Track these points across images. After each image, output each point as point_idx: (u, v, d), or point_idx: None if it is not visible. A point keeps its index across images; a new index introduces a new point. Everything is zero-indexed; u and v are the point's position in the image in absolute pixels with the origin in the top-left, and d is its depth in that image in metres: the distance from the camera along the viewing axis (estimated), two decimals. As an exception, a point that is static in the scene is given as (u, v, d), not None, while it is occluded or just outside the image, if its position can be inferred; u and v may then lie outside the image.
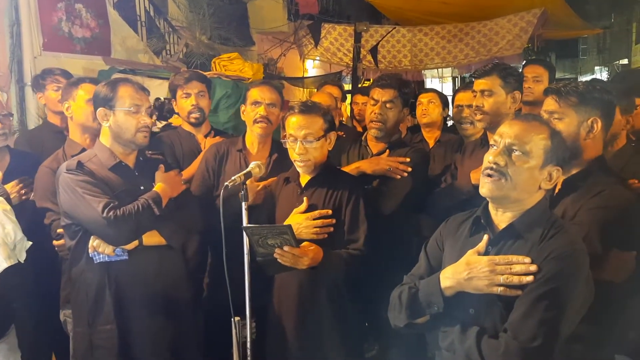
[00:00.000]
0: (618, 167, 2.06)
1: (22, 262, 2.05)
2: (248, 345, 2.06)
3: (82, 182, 2.13)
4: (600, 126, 1.81)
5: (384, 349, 2.98)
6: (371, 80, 8.22)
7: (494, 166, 1.54)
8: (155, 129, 3.13)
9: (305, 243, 2.10)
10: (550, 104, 1.86)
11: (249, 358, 2.06)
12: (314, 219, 2.19)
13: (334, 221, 2.21)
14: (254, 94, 2.67)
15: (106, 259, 2.17)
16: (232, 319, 2.02)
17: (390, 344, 2.79)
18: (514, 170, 1.52)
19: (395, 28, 8.40)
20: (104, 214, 2.06)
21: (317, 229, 2.18)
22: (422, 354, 2.85)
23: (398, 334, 2.33)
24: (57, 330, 2.62)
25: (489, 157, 1.56)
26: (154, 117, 2.35)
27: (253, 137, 2.69)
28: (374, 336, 3.19)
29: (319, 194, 2.26)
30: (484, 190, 1.56)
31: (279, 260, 2.05)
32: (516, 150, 1.53)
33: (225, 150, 2.70)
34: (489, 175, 1.54)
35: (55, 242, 2.45)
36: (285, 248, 2.00)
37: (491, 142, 1.60)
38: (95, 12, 5.85)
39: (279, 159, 2.61)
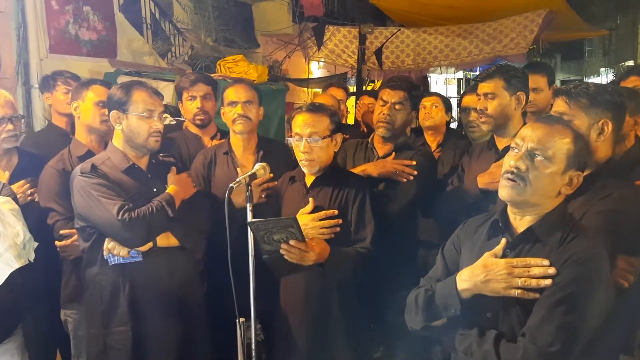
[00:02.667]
0: (626, 169, 2.05)
1: (32, 261, 2.07)
2: (253, 346, 2.06)
3: (97, 184, 2.15)
4: (611, 128, 1.80)
5: (389, 351, 2.98)
6: (376, 82, 8.24)
7: (515, 171, 1.51)
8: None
9: (312, 238, 2.10)
10: (560, 105, 1.84)
11: (253, 359, 2.07)
12: (321, 220, 2.19)
13: (340, 221, 2.21)
14: (229, 94, 2.68)
15: (121, 260, 2.19)
16: (237, 320, 2.02)
17: (395, 345, 2.79)
18: (535, 176, 1.50)
19: (399, 30, 8.40)
20: (119, 217, 2.09)
21: (324, 229, 2.18)
22: (428, 355, 2.85)
23: (403, 335, 2.33)
24: (61, 329, 2.64)
25: (509, 162, 1.54)
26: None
27: (236, 137, 2.70)
28: (379, 338, 3.19)
29: (324, 194, 2.26)
30: (502, 194, 1.55)
31: (285, 256, 2.04)
32: (539, 155, 1.51)
33: (212, 155, 2.71)
34: (509, 180, 1.52)
35: (57, 243, 2.46)
36: (291, 242, 2.00)
37: (512, 145, 1.58)
38: (103, 15, 5.89)
39: (265, 156, 2.61)
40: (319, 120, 2.23)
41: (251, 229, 1.96)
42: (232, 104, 2.65)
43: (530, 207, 1.55)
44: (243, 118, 2.62)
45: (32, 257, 2.07)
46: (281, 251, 2.03)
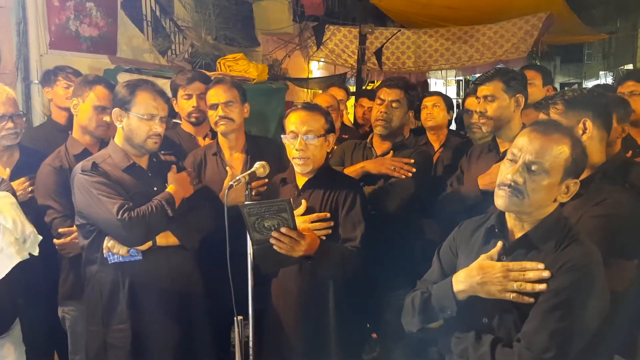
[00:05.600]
0: (613, 173, 2.07)
1: (36, 255, 2.06)
2: (250, 344, 2.06)
3: (97, 183, 2.15)
4: (592, 126, 1.81)
5: (385, 351, 2.99)
6: (375, 82, 8.26)
7: (512, 184, 1.51)
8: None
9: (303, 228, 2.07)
10: (542, 118, 1.87)
11: (250, 357, 2.07)
12: (312, 222, 2.18)
13: (332, 223, 2.20)
14: (210, 96, 2.67)
15: (120, 259, 2.19)
16: (235, 318, 2.02)
17: (392, 345, 2.80)
18: (533, 189, 1.50)
19: (400, 30, 8.41)
20: (119, 216, 2.08)
21: (316, 231, 2.15)
22: (424, 356, 2.86)
23: (400, 336, 2.33)
24: (58, 325, 2.65)
25: (506, 174, 1.53)
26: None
27: (222, 137, 2.69)
28: (376, 338, 3.20)
29: (316, 196, 2.24)
30: (499, 203, 1.55)
31: (274, 246, 1.99)
32: (536, 168, 1.50)
33: (202, 156, 2.71)
34: (506, 191, 1.52)
35: (56, 241, 2.46)
36: (282, 229, 1.95)
37: (509, 155, 1.57)
38: (106, 11, 5.87)
39: (255, 155, 2.58)
40: (315, 118, 2.22)
41: (243, 213, 1.90)
42: (213, 106, 2.64)
43: (526, 214, 1.56)
44: (224, 119, 2.61)
45: (35, 251, 2.06)
46: (271, 240, 1.98)
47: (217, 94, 2.65)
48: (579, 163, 1.54)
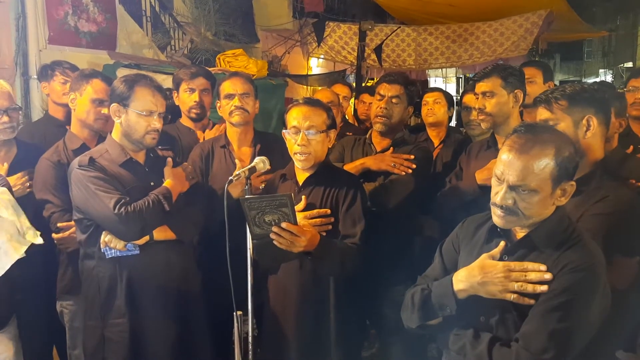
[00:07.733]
0: (612, 169, 2.07)
1: (42, 242, 2.04)
2: (250, 340, 2.06)
3: (94, 178, 2.15)
4: (596, 122, 1.80)
5: (384, 347, 2.99)
6: (375, 79, 8.24)
7: (504, 206, 1.51)
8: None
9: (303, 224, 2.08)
10: (542, 113, 1.85)
11: (250, 352, 2.07)
12: (313, 217, 2.18)
13: (332, 219, 2.20)
14: (226, 87, 2.70)
15: (118, 253, 2.19)
16: (235, 314, 2.02)
17: (390, 342, 2.80)
18: (524, 207, 1.50)
19: (400, 27, 8.39)
20: (116, 210, 2.09)
21: (316, 227, 2.15)
22: (422, 352, 2.86)
23: (398, 332, 2.33)
24: (57, 320, 2.64)
25: (496, 195, 1.53)
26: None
27: (233, 130, 2.71)
28: (375, 334, 3.20)
29: (316, 192, 2.24)
30: (497, 221, 1.55)
31: (275, 241, 1.99)
32: (522, 189, 1.49)
33: (210, 148, 2.71)
34: (501, 211, 1.52)
35: (54, 235, 2.46)
36: (283, 224, 1.95)
37: (495, 172, 1.56)
38: (103, 7, 5.86)
39: (263, 150, 2.62)
40: (317, 113, 2.21)
41: (243, 207, 1.90)
42: (229, 96, 2.67)
43: (527, 223, 1.55)
44: (240, 110, 2.64)
45: (37, 240, 2.02)
46: (271, 235, 1.98)
47: (234, 85, 2.68)
48: (569, 165, 1.51)
